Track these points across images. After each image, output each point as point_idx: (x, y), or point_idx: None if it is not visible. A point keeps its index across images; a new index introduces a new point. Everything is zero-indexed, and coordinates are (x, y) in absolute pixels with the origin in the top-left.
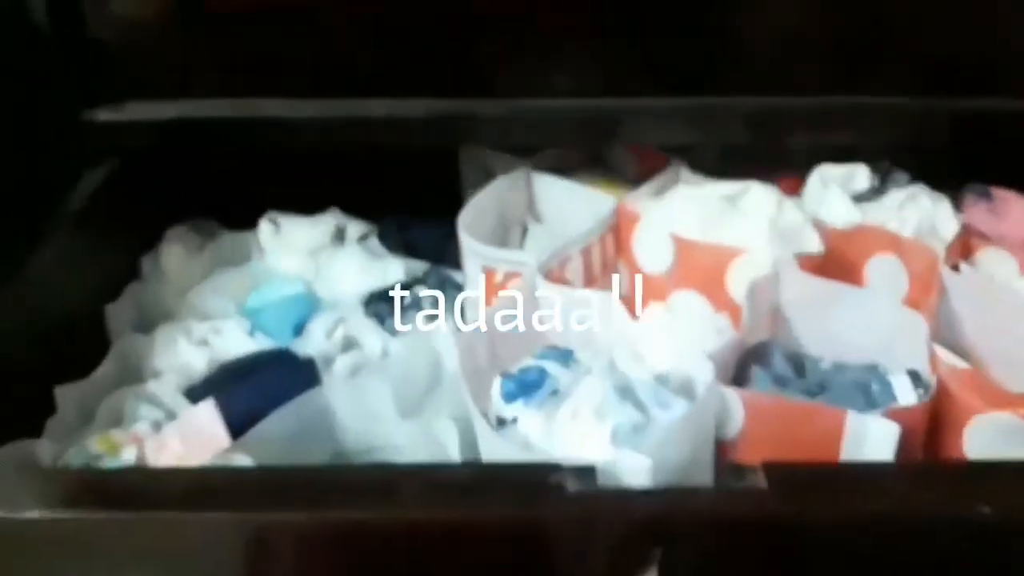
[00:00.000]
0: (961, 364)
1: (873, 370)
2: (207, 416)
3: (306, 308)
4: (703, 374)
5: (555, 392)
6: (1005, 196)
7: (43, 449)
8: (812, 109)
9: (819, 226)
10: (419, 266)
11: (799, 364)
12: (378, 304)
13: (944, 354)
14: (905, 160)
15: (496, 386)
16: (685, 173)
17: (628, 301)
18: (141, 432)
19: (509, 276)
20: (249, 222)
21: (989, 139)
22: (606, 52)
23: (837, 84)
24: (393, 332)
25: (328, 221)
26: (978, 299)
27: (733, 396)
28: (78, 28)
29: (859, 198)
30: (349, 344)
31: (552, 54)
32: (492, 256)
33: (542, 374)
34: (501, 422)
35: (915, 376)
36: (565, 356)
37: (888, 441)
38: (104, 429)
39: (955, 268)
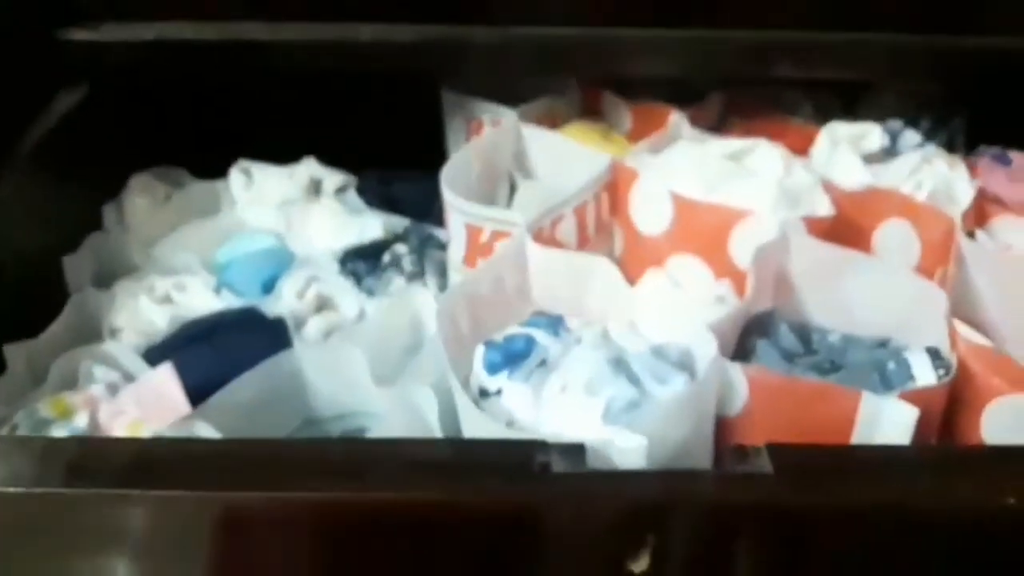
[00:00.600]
0: (982, 341)
1: (886, 345)
2: (166, 380)
3: (277, 263)
4: (704, 347)
5: (543, 363)
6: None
7: None
8: (801, 43)
9: (828, 187)
10: (399, 222)
11: (806, 336)
12: (355, 262)
13: (964, 330)
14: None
15: (479, 355)
16: (686, 129)
17: (623, 263)
18: (95, 395)
19: (496, 236)
20: (221, 165)
21: (974, 76)
22: None
23: (827, 18)
24: (370, 292)
25: (303, 172)
26: (997, 271)
27: (737, 372)
28: None
29: (870, 159)
30: (323, 304)
31: None
32: (478, 214)
33: (529, 343)
34: (484, 393)
35: (934, 353)
36: (555, 324)
37: (905, 425)
38: (56, 391)
39: (971, 235)
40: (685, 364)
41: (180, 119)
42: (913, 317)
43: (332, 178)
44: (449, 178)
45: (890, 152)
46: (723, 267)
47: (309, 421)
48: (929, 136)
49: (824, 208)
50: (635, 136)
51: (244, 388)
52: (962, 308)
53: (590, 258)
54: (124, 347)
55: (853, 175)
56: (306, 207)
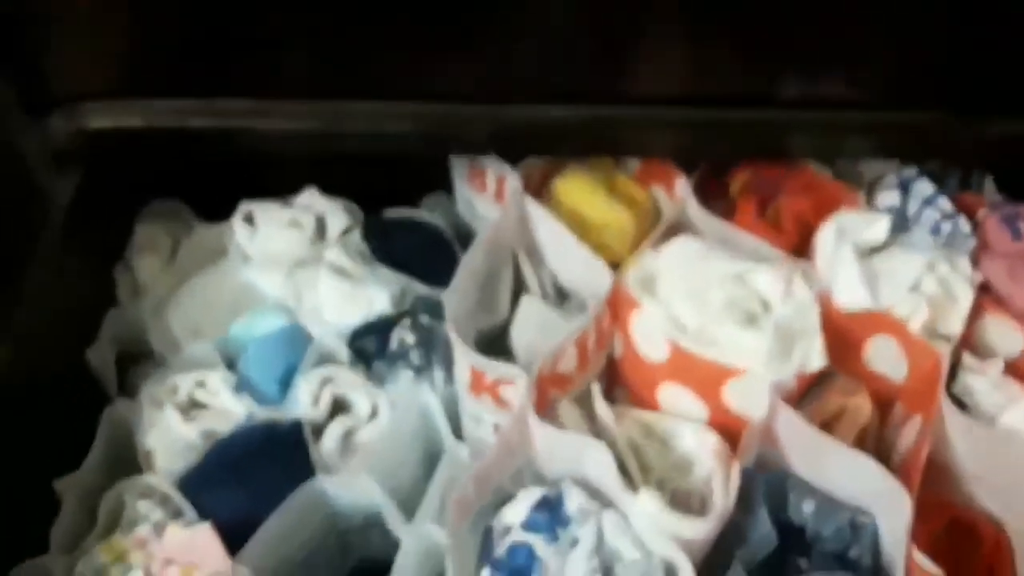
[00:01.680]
0: (935, 572)
1: (856, 521)
2: (206, 540)
3: (292, 349)
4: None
5: None
6: None
7: (56, 566)
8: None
9: (824, 305)
10: (406, 289)
11: (783, 507)
12: (364, 339)
13: (921, 560)
14: None
15: None
16: (693, 207)
17: (621, 369)
18: (144, 536)
19: (498, 381)
20: (225, 208)
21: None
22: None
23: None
24: (380, 381)
25: (307, 218)
26: (977, 443)
27: None
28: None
29: (876, 248)
30: (337, 407)
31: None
32: (482, 363)
33: (529, 559)
34: None
35: None
36: (552, 519)
37: None
38: (108, 531)
39: (964, 345)
40: None
41: (178, 180)
42: (880, 505)
43: (336, 219)
44: (452, 308)
45: (901, 214)
46: (716, 407)
47: (331, 515)
48: (941, 180)
49: (816, 359)
50: (642, 178)
51: (274, 524)
52: (942, 471)
53: (588, 442)
54: (162, 479)
55: (850, 286)
56: (314, 272)
